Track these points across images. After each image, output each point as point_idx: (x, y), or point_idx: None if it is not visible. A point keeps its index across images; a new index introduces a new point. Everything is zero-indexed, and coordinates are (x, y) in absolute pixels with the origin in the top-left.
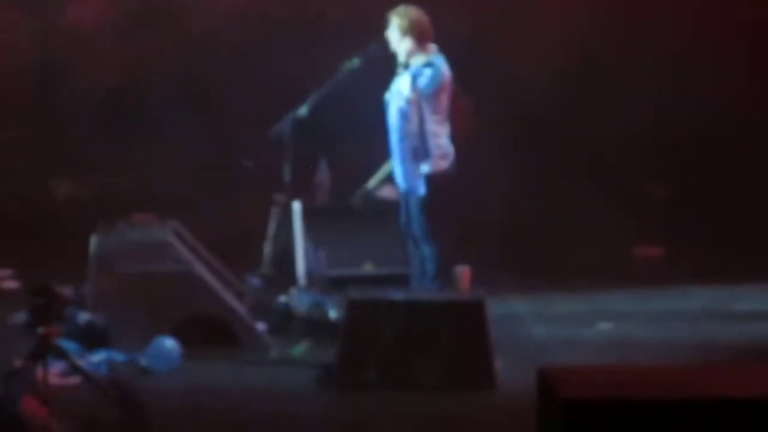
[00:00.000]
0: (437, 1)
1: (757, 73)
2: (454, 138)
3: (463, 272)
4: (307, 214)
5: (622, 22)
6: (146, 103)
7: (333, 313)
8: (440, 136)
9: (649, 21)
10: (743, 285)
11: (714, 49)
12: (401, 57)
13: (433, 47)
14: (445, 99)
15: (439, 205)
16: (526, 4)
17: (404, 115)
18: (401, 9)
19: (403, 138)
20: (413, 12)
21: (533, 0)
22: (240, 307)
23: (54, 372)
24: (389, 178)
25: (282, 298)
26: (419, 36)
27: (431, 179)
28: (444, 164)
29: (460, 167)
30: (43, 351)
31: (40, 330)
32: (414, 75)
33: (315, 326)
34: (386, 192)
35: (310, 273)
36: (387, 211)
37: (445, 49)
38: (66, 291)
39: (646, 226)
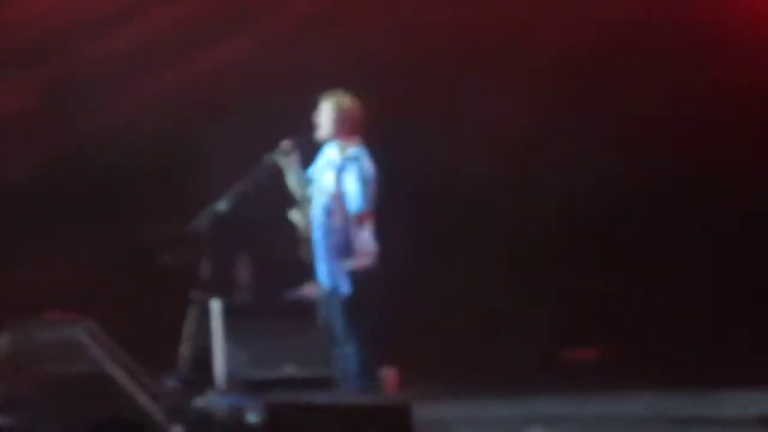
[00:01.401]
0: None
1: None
2: None
3: (389, 375)
4: (227, 313)
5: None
6: (57, 195)
7: (253, 417)
8: (364, 232)
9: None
10: (683, 389)
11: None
12: (325, 137)
13: (357, 140)
14: (372, 194)
15: (363, 304)
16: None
17: (328, 211)
18: (337, 96)
19: (327, 234)
20: (348, 101)
21: (478, 77)
22: (155, 410)
23: None
24: (311, 276)
25: (199, 401)
26: (350, 127)
27: (354, 276)
28: (367, 260)
29: (383, 263)
30: None
31: None
32: (339, 169)
33: (234, 430)
34: (308, 290)
35: (229, 375)
36: (309, 310)
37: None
38: None
39: (579, 325)
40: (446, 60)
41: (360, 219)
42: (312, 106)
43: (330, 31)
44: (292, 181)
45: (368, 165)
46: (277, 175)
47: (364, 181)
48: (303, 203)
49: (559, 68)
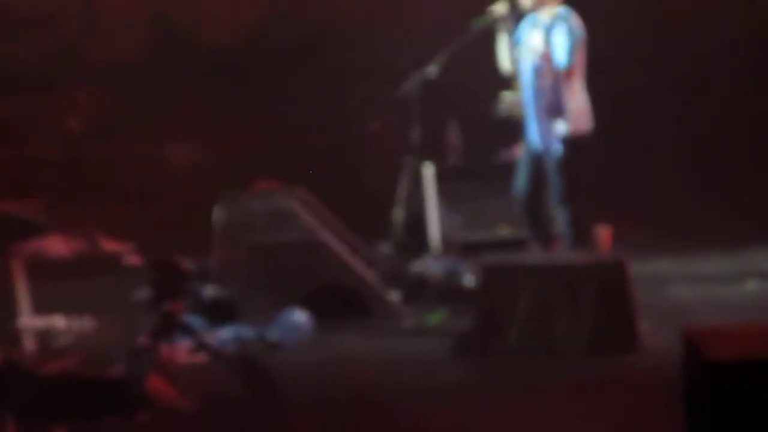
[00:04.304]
0: None
1: None
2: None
3: (603, 233)
4: (439, 177)
5: None
6: (267, 63)
7: (468, 280)
8: (578, 94)
9: None
10: None
11: None
12: (529, 6)
13: (559, 1)
14: (580, 54)
15: (576, 162)
16: None
17: (537, 71)
18: None
19: (536, 94)
20: None
21: None
22: (371, 276)
23: (180, 349)
24: (521, 138)
25: (415, 266)
26: None
27: (570, 139)
28: (585, 123)
29: (600, 127)
30: (168, 328)
31: (165, 306)
32: (547, 29)
33: (450, 294)
34: (519, 151)
35: (443, 238)
36: None
37: None
38: (189, 264)
39: None
40: None
41: (568, 74)
42: None
43: None
44: (502, 45)
45: (577, 23)
46: (487, 38)
47: (572, 37)
48: (514, 82)
49: None
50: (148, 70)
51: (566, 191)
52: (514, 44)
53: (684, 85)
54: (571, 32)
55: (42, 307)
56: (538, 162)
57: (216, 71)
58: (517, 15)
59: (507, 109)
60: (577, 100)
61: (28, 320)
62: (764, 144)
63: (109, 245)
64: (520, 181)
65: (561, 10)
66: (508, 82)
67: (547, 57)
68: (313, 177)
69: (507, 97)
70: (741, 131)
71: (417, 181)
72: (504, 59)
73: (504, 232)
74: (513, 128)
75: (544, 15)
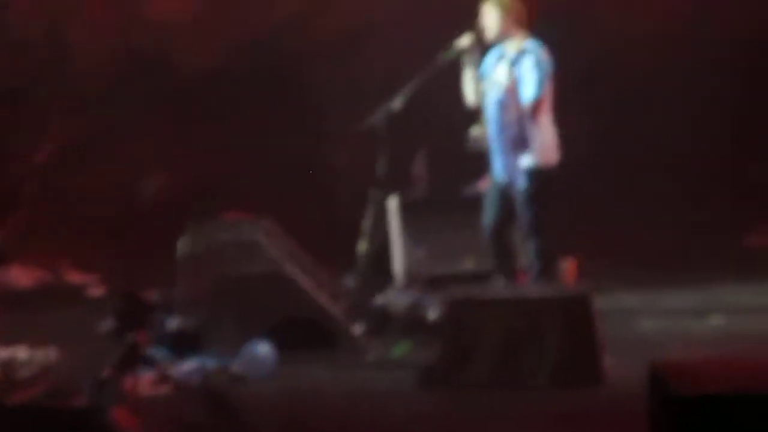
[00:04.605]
0: None
1: None
2: None
3: (568, 266)
4: (404, 210)
5: None
6: (235, 96)
7: (432, 313)
8: (544, 127)
9: None
10: None
11: None
12: (494, 38)
13: (526, 33)
14: (548, 87)
15: (541, 196)
16: None
17: (502, 105)
18: None
19: (501, 128)
20: None
21: None
22: (335, 309)
23: (144, 380)
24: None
25: (379, 299)
26: (516, 22)
27: (536, 172)
28: (552, 156)
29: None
30: (132, 359)
31: (129, 337)
32: (513, 62)
33: (414, 327)
34: (484, 184)
35: (408, 271)
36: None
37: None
38: (153, 296)
39: (758, 212)
40: None
41: (534, 109)
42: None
43: None
44: (468, 78)
45: (544, 56)
46: (453, 71)
47: (539, 71)
48: (480, 115)
49: None
50: (119, 99)
51: (533, 224)
52: (480, 78)
53: (650, 119)
54: (538, 65)
55: (5, 338)
56: (504, 195)
57: (186, 99)
58: (483, 47)
59: (476, 144)
60: (544, 133)
61: None
62: (731, 179)
63: (74, 276)
64: (487, 214)
65: (528, 43)
66: (475, 115)
67: (511, 91)
68: (280, 208)
69: (475, 131)
70: (707, 167)
71: (382, 213)
72: (469, 92)
73: (469, 265)
74: (480, 161)
75: (511, 47)
